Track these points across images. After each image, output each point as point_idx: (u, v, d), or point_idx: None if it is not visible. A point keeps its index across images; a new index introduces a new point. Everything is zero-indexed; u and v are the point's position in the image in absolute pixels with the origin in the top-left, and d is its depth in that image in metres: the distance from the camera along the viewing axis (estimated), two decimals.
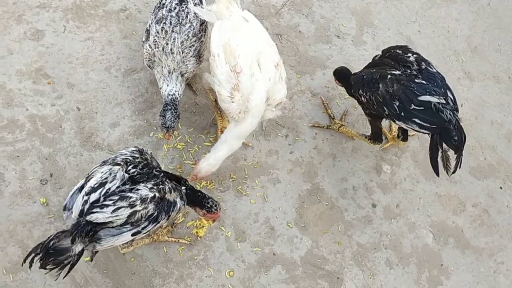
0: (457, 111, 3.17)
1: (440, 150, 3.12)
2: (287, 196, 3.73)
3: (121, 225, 2.67)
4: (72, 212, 2.65)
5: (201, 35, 3.43)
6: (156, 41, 3.32)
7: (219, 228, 3.52)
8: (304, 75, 4.17)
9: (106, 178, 2.69)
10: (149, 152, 3.01)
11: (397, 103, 3.16)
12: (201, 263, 3.41)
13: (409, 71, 3.23)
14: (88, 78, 3.79)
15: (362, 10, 4.56)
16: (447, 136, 3.07)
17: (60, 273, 2.55)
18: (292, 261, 3.54)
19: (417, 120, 3.11)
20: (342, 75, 3.78)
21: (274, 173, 3.79)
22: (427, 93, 3.09)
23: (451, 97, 3.18)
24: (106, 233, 2.67)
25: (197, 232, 3.43)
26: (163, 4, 3.43)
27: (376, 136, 3.69)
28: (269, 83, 3.12)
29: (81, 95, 3.73)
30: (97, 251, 2.77)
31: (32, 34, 3.86)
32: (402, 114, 3.16)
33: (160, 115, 3.34)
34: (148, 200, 2.70)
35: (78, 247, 2.55)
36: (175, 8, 3.37)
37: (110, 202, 2.61)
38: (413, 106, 3.11)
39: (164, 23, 3.32)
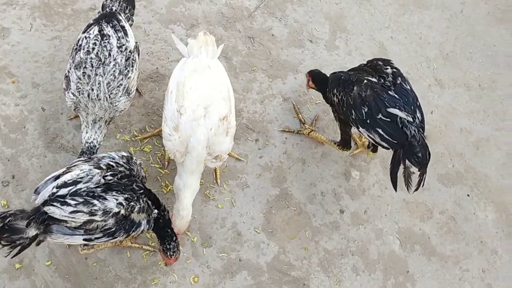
0: (423, 130, 3.17)
1: (402, 166, 3.10)
2: (255, 201, 3.71)
3: (75, 228, 2.64)
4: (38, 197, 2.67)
5: (128, 71, 3.18)
6: (80, 88, 3.08)
7: (185, 233, 3.48)
8: (276, 79, 4.15)
9: (82, 177, 2.67)
10: (137, 162, 2.96)
11: (366, 109, 3.16)
12: (165, 269, 3.37)
13: (382, 80, 3.23)
14: (54, 78, 3.71)
15: (335, 15, 4.56)
16: (410, 152, 3.05)
17: (11, 251, 2.56)
18: (258, 267, 3.52)
19: (380, 131, 3.12)
20: (318, 78, 3.76)
21: (242, 178, 3.76)
22: (397, 107, 3.10)
23: (419, 116, 3.18)
24: (58, 229, 2.64)
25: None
26: (80, 45, 3.15)
27: (345, 143, 3.69)
28: (210, 132, 3.06)
29: (46, 95, 3.65)
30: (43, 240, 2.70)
31: None
32: (368, 121, 3.16)
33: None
34: (111, 214, 2.64)
35: (31, 232, 2.55)
36: (93, 48, 3.11)
37: (72, 202, 2.57)
38: (380, 116, 3.11)
39: (85, 67, 3.07)
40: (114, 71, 3.11)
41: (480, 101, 4.53)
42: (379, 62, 3.40)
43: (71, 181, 2.66)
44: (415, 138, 3.07)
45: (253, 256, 3.54)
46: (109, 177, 2.73)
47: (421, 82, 4.45)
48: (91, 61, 3.08)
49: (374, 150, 3.74)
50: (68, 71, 3.14)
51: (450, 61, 4.65)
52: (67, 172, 2.71)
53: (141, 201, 2.79)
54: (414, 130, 3.07)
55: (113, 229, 2.69)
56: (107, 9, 3.31)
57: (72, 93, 3.10)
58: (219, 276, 3.43)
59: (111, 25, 3.21)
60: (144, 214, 2.82)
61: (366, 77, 3.26)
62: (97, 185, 2.68)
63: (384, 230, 3.83)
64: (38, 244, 2.70)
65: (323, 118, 4.09)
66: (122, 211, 2.68)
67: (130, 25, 3.37)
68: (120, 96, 3.16)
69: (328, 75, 3.66)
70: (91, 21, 3.25)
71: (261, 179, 3.79)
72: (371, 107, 3.14)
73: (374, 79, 3.25)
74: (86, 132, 3.13)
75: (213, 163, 3.22)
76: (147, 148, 3.66)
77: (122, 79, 3.14)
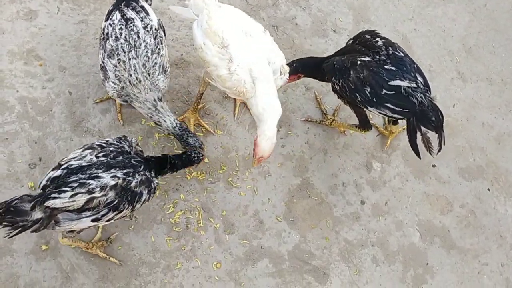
0: (429, 91, 3.21)
1: (419, 133, 3.16)
2: (277, 189, 3.73)
3: (80, 211, 2.67)
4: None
5: (159, 49, 3.19)
6: (118, 76, 3.08)
7: (208, 220, 3.51)
8: None
9: (74, 157, 2.75)
10: (133, 140, 2.99)
11: (369, 89, 3.18)
12: (188, 254, 3.40)
13: (377, 56, 3.24)
14: (81, 62, 3.73)
15: (359, 5, 4.54)
16: (424, 118, 3.11)
17: (11, 232, 2.58)
18: (280, 255, 3.55)
19: (389, 105, 3.15)
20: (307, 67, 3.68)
21: (265, 166, 3.77)
22: (397, 78, 3.13)
23: (421, 80, 3.21)
24: (65, 217, 2.68)
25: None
26: (107, 34, 3.11)
27: (364, 123, 3.65)
28: (263, 46, 3.10)
29: (73, 79, 3.67)
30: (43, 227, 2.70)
31: (25, 14, 3.77)
32: (374, 99, 3.18)
33: (184, 146, 3.22)
34: (108, 188, 2.68)
35: (36, 215, 2.59)
36: (120, 34, 3.09)
37: (68, 189, 2.62)
38: (384, 91, 3.14)
39: (118, 53, 3.06)
40: (146, 52, 3.11)
41: (502, 96, 4.52)
42: (367, 36, 3.39)
43: (63, 162, 2.75)
44: (424, 104, 3.11)
45: (274, 244, 3.57)
46: (102, 158, 2.77)
47: (444, 75, 4.44)
48: (122, 47, 3.07)
49: (395, 122, 3.76)
50: (102, 61, 3.12)
51: (473, 55, 4.63)
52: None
53: (137, 175, 2.80)
54: (421, 96, 3.11)
55: (115, 202, 2.71)
56: None
57: (112, 82, 3.10)
58: (241, 263, 3.47)
59: (131, 7, 3.19)
60: (143, 186, 2.83)
61: (359, 58, 3.25)
62: (89, 163, 2.73)
63: (405, 222, 3.85)
64: (37, 230, 2.67)
65: (345, 108, 4.07)
66: (120, 182, 2.71)
67: (150, 5, 3.36)
68: (158, 75, 3.17)
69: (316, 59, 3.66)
70: (110, 7, 3.21)
71: (283, 168, 3.81)
72: (372, 85, 3.16)
73: (367, 58, 3.24)
74: (164, 120, 3.14)
75: (280, 80, 3.19)
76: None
77: (156, 58, 3.15)
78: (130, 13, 3.15)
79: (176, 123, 3.16)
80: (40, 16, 3.79)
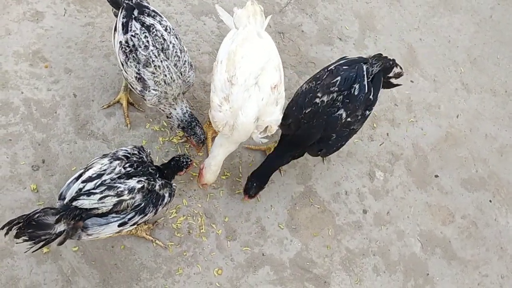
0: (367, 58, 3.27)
1: (394, 78, 3.36)
2: (279, 197, 3.72)
3: (107, 214, 2.70)
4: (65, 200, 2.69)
5: (183, 46, 3.27)
6: (157, 81, 3.14)
7: (210, 226, 3.51)
8: (304, 75, 4.15)
9: (104, 170, 2.76)
10: (148, 151, 3.07)
11: (370, 112, 3.24)
12: (190, 260, 3.40)
13: (341, 98, 3.13)
14: (86, 65, 3.72)
15: (366, 14, 4.54)
16: (387, 69, 3.26)
17: (32, 247, 2.53)
18: (281, 263, 3.54)
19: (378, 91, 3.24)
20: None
21: None
22: (358, 83, 3.11)
23: (360, 58, 3.28)
24: (93, 222, 2.70)
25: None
26: (133, 45, 3.10)
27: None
28: (261, 103, 3.03)
29: (78, 81, 3.67)
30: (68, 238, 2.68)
31: (31, 15, 3.77)
32: (375, 97, 3.22)
33: (190, 135, 3.35)
34: (136, 190, 2.75)
35: (60, 227, 2.56)
36: (148, 41, 3.10)
37: (98, 191, 2.67)
38: (377, 95, 3.20)
39: (152, 60, 3.09)
40: (175, 52, 3.18)
41: (506, 107, 4.52)
42: (315, 101, 3.20)
43: (95, 175, 2.74)
44: (375, 63, 3.18)
45: (276, 251, 3.56)
46: (128, 168, 2.83)
47: (448, 85, 4.44)
48: (153, 53, 3.11)
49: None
50: (138, 73, 3.13)
51: (478, 66, 4.63)
52: (88, 169, 2.78)
53: (158, 180, 2.92)
54: (374, 64, 3.18)
55: (142, 205, 2.79)
56: (125, 2, 3.18)
57: (153, 89, 3.16)
58: (242, 270, 3.46)
59: (146, 14, 3.19)
60: (166, 188, 2.95)
61: (336, 108, 3.13)
62: (118, 175, 2.77)
63: (406, 232, 3.84)
64: (62, 243, 2.64)
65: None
66: (146, 185, 2.80)
67: None
68: (189, 71, 3.26)
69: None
70: (123, 19, 3.14)
71: (286, 175, 3.80)
72: (370, 104, 3.19)
73: (345, 111, 3.13)
74: (175, 109, 3.30)
75: (260, 137, 3.18)
76: (176, 139, 3.67)
77: (184, 56, 3.24)
78: (149, 20, 3.15)
79: (187, 110, 3.31)
80: (47, 18, 3.79)
